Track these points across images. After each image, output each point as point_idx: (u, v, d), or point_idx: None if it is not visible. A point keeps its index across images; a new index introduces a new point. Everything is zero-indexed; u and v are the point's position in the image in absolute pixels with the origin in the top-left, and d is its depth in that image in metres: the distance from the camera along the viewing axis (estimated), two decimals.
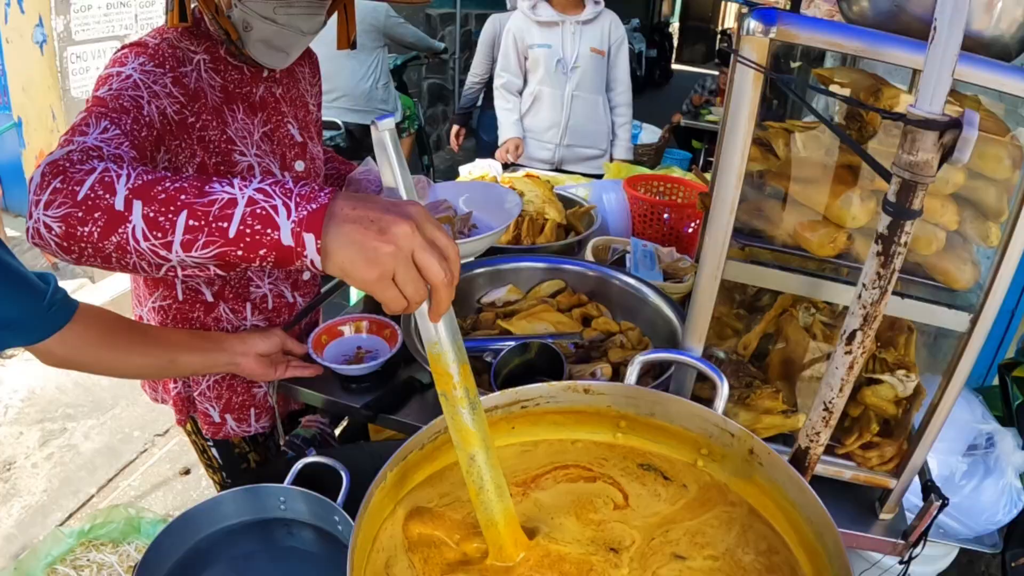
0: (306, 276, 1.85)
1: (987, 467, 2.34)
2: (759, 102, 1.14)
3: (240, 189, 0.95)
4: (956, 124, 0.91)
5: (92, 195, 0.97)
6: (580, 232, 2.36)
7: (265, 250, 0.93)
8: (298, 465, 1.32)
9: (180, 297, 1.70)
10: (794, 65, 4.05)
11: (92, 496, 3.31)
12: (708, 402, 1.22)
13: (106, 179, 0.98)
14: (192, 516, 1.25)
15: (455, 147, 4.92)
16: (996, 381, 3.07)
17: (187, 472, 3.48)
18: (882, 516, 1.51)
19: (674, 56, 17.48)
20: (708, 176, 2.28)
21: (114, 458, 3.52)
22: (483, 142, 5.13)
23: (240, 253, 0.94)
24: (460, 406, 0.99)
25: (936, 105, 0.91)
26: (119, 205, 0.96)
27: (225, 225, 0.93)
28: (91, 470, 3.44)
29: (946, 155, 0.93)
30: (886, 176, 0.97)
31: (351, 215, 0.90)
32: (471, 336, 1.71)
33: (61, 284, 1.24)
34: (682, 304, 1.79)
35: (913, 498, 1.51)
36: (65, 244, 0.99)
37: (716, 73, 8.35)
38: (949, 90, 0.93)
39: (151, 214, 0.95)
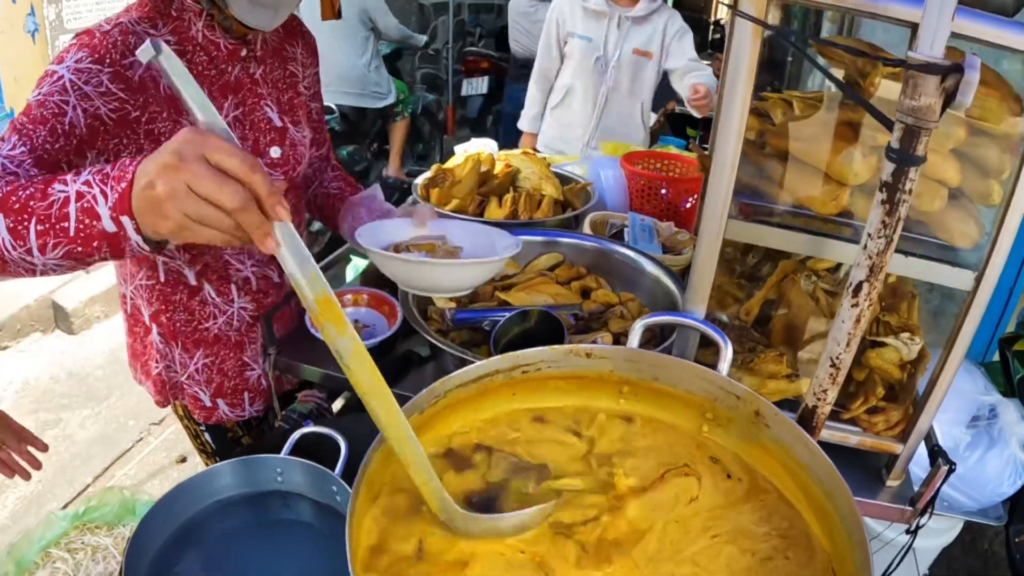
0: None
1: (991, 438, 2.33)
2: (757, 58, 1.13)
3: (72, 184, 0.96)
4: (958, 68, 0.89)
5: None
6: (577, 208, 2.33)
7: (97, 242, 0.95)
8: (295, 436, 1.30)
9: (162, 278, 1.67)
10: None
11: (88, 485, 3.29)
12: (712, 368, 1.20)
13: None
14: (184, 490, 1.23)
15: None
16: (997, 357, 3.07)
17: (183, 460, 3.46)
18: (889, 483, 1.51)
19: None
20: (706, 151, 2.27)
21: (109, 447, 3.51)
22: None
23: (80, 249, 0.97)
24: (332, 344, 0.88)
25: (937, 49, 0.90)
26: None
27: (66, 225, 0.96)
28: (86, 459, 3.43)
29: (948, 100, 0.91)
30: (888, 124, 0.95)
31: (140, 182, 0.88)
32: (469, 308, 1.69)
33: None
34: (682, 276, 1.76)
35: (918, 471, 1.50)
36: None
37: (709, 63, 8.32)
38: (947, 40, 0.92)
39: (11, 224, 0.99)
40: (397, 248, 1.64)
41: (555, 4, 3.66)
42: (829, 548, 1.05)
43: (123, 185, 0.90)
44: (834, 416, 1.45)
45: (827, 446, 1.36)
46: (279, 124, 1.66)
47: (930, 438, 1.48)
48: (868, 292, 1.04)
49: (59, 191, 0.97)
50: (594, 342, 1.56)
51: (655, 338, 1.58)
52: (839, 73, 1.41)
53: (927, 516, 1.49)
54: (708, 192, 1.21)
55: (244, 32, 1.54)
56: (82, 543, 1.86)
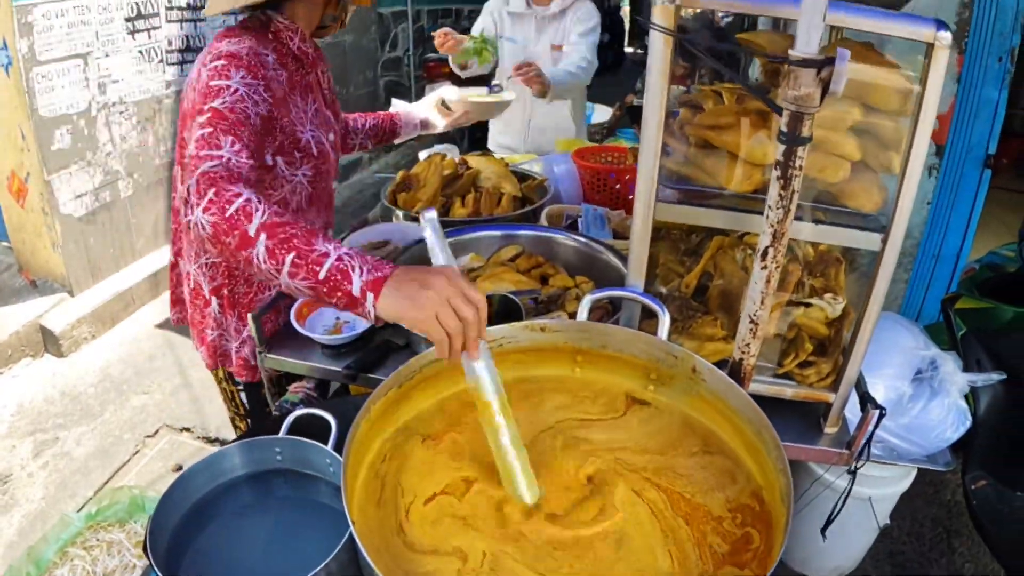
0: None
1: (932, 389, 2.50)
2: (670, 60, 1.30)
3: (335, 248, 1.27)
4: (830, 61, 1.06)
5: (236, 216, 1.32)
6: (535, 202, 2.50)
7: (341, 294, 1.24)
8: (291, 417, 1.46)
9: None
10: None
11: (89, 499, 3.38)
12: (653, 335, 1.37)
13: (247, 208, 1.32)
14: (196, 472, 1.38)
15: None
16: None
17: (179, 468, 3.56)
18: (827, 430, 1.67)
19: (626, 40, 17.70)
20: None
21: (107, 461, 3.62)
22: None
23: (325, 290, 1.25)
24: (499, 433, 1.20)
25: (812, 46, 1.07)
26: (251, 232, 1.30)
27: (318, 269, 1.25)
28: (85, 473, 3.53)
29: (826, 88, 1.08)
30: (778, 110, 1.12)
31: (403, 279, 1.21)
32: None
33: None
34: None
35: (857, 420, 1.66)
36: (212, 241, 1.34)
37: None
38: (839, 36, 1.08)
39: (271, 246, 1.28)
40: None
41: (489, 6, 3.83)
42: (760, 479, 1.22)
43: (380, 274, 1.23)
44: (770, 372, 1.62)
45: (766, 400, 1.54)
46: (329, 115, 2.06)
47: (860, 386, 1.65)
48: (774, 256, 1.21)
49: (321, 246, 1.27)
50: None
51: (608, 314, 1.75)
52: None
53: (864, 458, 1.65)
54: (638, 179, 1.38)
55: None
56: (97, 540, 2.00)
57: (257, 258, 1.29)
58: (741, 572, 1.07)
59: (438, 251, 1.25)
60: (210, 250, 1.38)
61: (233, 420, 2.37)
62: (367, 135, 2.55)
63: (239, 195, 1.35)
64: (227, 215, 1.32)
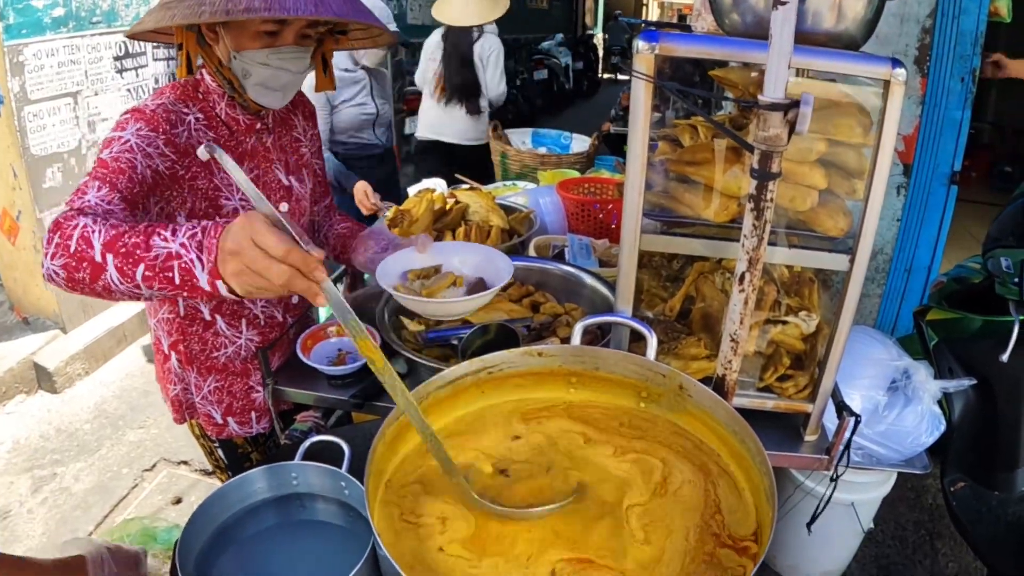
0: (295, 300, 2.13)
1: (907, 397, 2.61)
2: (651, 104, 1.41)
3: (170, 242, 1.22)
4: (796, 104, 1.18)
5: (79, 248, 1.28)
6: (522, 234, 2.61)
7: (199, 293, 1.21)
8: (306, 444, 1.55)
9: (182, 313, 1.96)
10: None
11: (90, 533, 3.44)
12: (642, 356, 1.48)
13: (86, 234, 1.28)
14: (221, 496, 1.46)
15: None
16: None
17: (179, 501, 3.63)
18: (807, 438, 1.78)
19: (600, 66, 17.98)
20: None
21: (106, 495, 3.67)
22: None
23: (186, 294, 1.23)
24: (376, 372, 1.21)
25: (779, 92, 1.18)
26: (97, 257, 1.26)
27: (171, 275, 1.21)
28: (85, 509, 3.58)
29: (792, 128, 1.20)
30: (750, 149, 1.24)
31: (230, 264, 1.14)
32: (438, 328, 1.95)
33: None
34: None
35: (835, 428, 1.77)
36: (70, 285, 1.31)
37: None
38: (811, 77, 1.19)
39: (119, 265, 1.25)
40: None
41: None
42: (746, 483, 1.31)
43: (212, 257, 1.17)
44: (751, 387, 1.73)
45: (749, 412, 1.64)
46: (286, 183, 1.99)
47: (836, 396, 1.75)
48: (750, 280, 1.33)
49: (160, 246, 1.22)
50: None
51: (597, 338, 1.86)
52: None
53: (844, 462, 1.75)
54: (624, 214, 1.49)
55: (258, 108, 1.86)
56: None
57: (114, 282, 1.26)
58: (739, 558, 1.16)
59: (242, 186, 1.06)
60: (76, 293, 1.34)
61: (215, 473, 2.39)
62: (327, 245, 2.32)
63: (77, 225, 1.30)
64: (72, 251, 1.28)
